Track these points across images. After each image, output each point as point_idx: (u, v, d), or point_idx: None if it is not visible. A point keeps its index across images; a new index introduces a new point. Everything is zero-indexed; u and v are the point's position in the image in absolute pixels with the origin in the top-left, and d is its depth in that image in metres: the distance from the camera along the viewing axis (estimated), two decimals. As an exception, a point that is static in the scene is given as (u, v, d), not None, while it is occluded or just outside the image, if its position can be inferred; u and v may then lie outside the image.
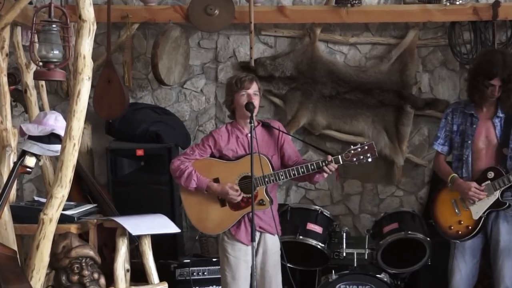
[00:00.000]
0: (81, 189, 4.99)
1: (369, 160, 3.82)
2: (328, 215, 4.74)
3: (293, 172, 3.80)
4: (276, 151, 3.99)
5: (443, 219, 4.29)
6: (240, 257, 3.91)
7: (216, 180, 3.93)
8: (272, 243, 3.94)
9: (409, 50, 5.41)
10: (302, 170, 3.79)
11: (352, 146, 3.83)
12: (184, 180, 3.92)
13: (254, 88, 3.87)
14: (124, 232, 3.84)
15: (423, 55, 5.55)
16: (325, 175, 3.84)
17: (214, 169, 3.94)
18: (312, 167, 3.77)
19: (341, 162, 3.79)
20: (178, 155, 5.35)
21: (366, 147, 3.77)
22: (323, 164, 3.75)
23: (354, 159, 3.79)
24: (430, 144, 5.31)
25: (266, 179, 3.79)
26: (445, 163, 4.34)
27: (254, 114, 3.80)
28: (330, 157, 3.78)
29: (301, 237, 4.47)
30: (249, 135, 3.82)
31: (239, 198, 3.83)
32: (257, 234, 3.87)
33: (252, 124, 3.75)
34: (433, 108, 5.43)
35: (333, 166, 3.76)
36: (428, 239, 4.52)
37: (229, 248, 3.94)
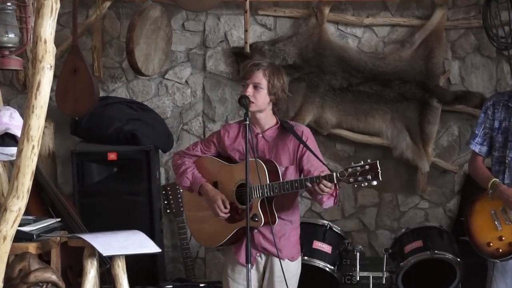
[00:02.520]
0: (41, 201, 4.98)
1: (372, 183, 3.67)
2: (339, 231, 4.75)
3: (287, 186, 3.73)
4: (293, 161, 3.91)
5: (480, 235, 4.25)
6: (240, 281, 3.91)
7: (215, 184, 3.95)
8: (280, 270, 3.86)
9: (435, 33, 5.43)
10: (296, 185, 3.72)
11: (352, 163, 3.71)
12: (178, 176, 4.02)
13: (256, 79, 3.82)
14: (93, 252, 3.84)
15: (453, 39, 5.58)
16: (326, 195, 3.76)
17: (216, 171, 3.96)
18: (306, 182, 3.66)
19: (335, 181, 3.65)
20: (160, 158, 5.40)
21: (368, 167, 3.61)
22: (315, 181, 3.64)
23: (351, 179, 3.61)
24: (461, 146, 5.33)
25: (261, 191, 3.76)
26: (483, 166, 4.30)
27: (252, 110, 3.79)
28: (323, 173, 3.71)
29: (306, 257, 4.48)
30: (260, 135, 3.86)
31: (222, 216, 3.85)
32: (263, 256, 3.89)
33: (248, 123, 3.71)
34: (464, 102, 5.45)
35: (326, 185, 3.63)
36: (459, 259, 4.53)
37: (229, 269, 3.96)
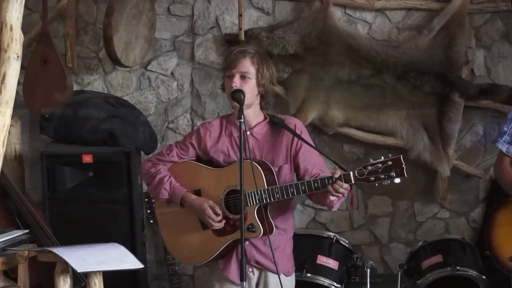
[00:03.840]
0: (6, 210, 4.98)
1: (395, 181, 3.67)
2: (346, 245, 4.76)
3: (291, 190, 3.67)
4: (288, 160, 3.90)
5: (502, 248, 4.28)
6: (230, 301, 3.92)
7: (198, 193, 3.89)
8: (275, 286, 3.87)
9: (457, 17, 5.45)
10: (303, 188, 3.66)
11: (371, 160, 3.69)
12: (153, 188, 3.92)
13: (244, 68, 3.76)
14: (66, 268, 3.84)
15: (477, 24, 5.60)
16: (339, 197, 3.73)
17: (197, 178, 3.91)
18: (316, 184, 3.63)
19: (353, 181, 3.60)
20: (142, 161, 5.39)
21: (390, 163, 3.62)
22: (328, 181, 3.60)
23: (372, 178, 3.60)
24: (486, 147, 5.34)
25: (258, 197, 3.70)
26: (511, 169, 4.31)
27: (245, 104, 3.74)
28: (338, 172, 3.66)
29: (309, 274, 4.49)
30: (247, 133, 3.77)
31: (217, 225, 3.80)
32: (255, 271, 3.87)
33: (242, 121, 3.62)
34: (490, 97, 5.47)
35: (341, 186, 3.59)
36: (484, 277, 4.54)
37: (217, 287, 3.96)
